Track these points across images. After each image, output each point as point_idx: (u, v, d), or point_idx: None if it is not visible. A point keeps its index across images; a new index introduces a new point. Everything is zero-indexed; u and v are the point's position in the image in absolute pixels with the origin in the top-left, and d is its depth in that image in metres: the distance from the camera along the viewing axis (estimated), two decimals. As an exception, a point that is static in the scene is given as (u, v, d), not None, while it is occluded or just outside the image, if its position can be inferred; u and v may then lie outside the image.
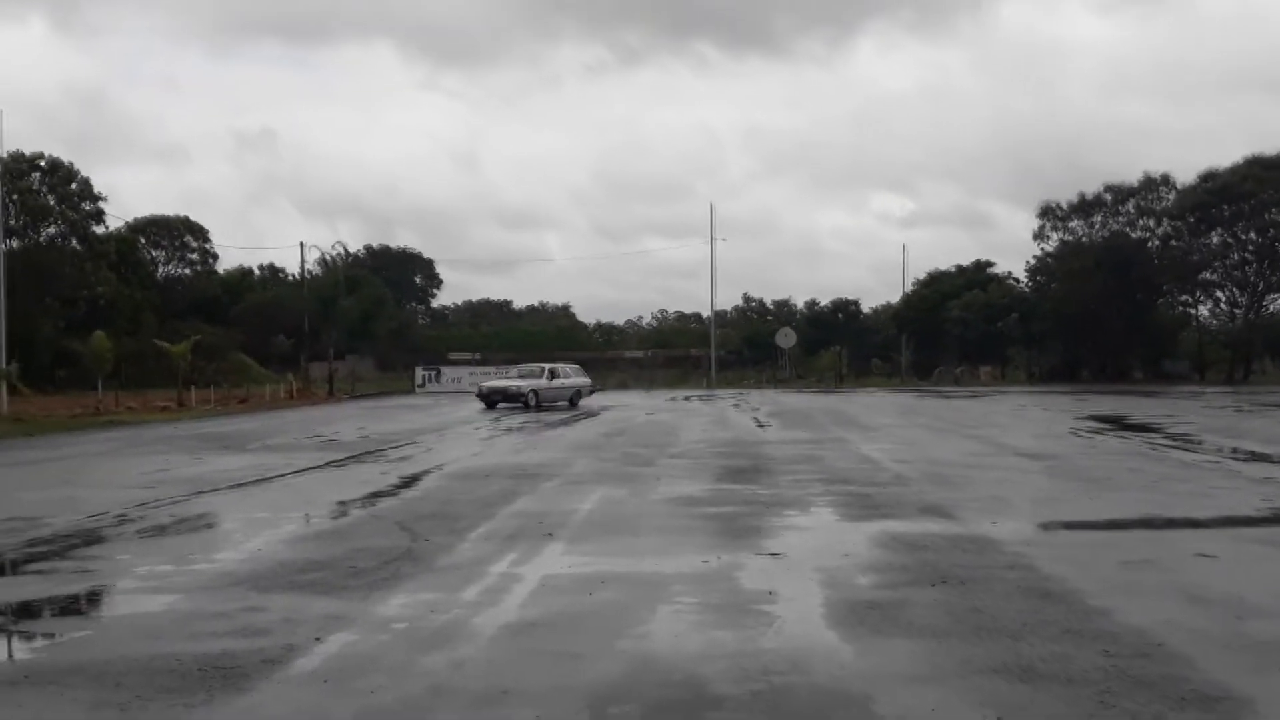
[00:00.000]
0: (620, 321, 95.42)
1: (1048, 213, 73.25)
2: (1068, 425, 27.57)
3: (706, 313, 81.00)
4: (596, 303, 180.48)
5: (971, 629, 7.31)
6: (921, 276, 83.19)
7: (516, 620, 7.69)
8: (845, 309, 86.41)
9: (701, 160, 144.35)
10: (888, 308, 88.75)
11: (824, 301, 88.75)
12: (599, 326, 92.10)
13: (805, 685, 6.18)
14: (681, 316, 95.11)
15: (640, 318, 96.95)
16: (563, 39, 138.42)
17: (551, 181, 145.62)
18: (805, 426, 27.64)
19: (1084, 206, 72.47)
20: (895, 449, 20.87)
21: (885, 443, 22.40)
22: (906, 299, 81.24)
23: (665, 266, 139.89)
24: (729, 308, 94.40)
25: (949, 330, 73.94)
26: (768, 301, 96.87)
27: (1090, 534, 11.49)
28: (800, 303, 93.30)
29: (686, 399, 46.84)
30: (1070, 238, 72.87)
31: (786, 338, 70.49)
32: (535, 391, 40.30)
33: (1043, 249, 74.20)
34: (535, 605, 8.13)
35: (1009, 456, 19.39)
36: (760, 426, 28.03)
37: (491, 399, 40.89)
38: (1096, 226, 72.34)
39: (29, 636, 7.54)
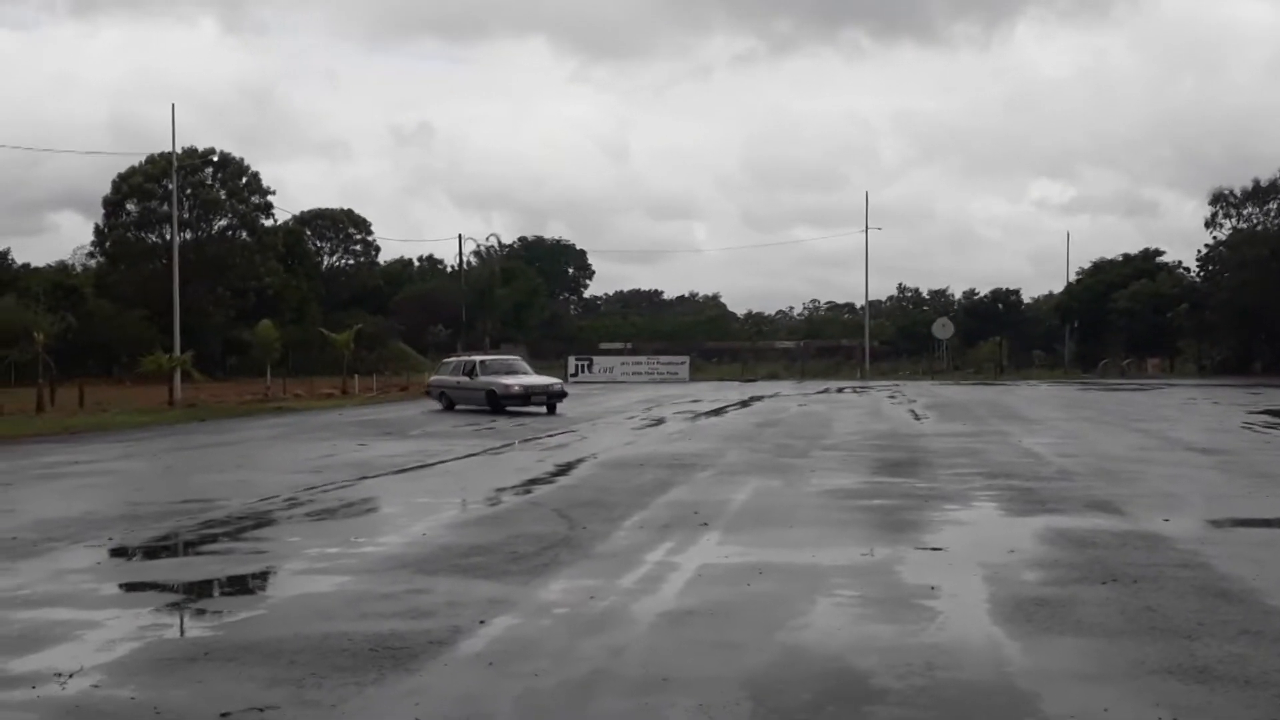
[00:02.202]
0: (770, 311, 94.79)
1: (1220, 200, 70.16)
2: (1240, 420, 26.41)
3: (859, 302, 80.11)
4: (746, 292, 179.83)
5: (1144, 628, 7.05)
6: (1084, 265, 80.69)
7: (675, 608, 7.70)
8: (1005, 299, 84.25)
9: (853, 148, 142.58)
10: (1049, 297, 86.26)
11: (982, 291, 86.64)
12: (749, 316, 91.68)
13: (970, 681, 6.04)
14: (834, 306, 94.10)
15: (791, 308, 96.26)
16: (713, 29, 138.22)
17: (700, 171, 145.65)
18: (964, 419, 27.07)
19: (1259, 193, 69.16)
20: (1059, 443, 20.28)
21: (1048, 436, 21.79)
22: (1070, 289, 78.86)
23: (816, 256, 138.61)
24: (883, 297, 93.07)
25: (1114, 321, 71.52)
26: (924, 291, 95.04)
27: (1267, 532, 11.00)
28: (958, 292, 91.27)
29: (840, 390, 46.35)
30: (1244, 225, 69.68)
31: (944, 328, 69.12)
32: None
33: (1214, 237, 71.15)
34: (693, 594, 8.13)
35: (1179, 451, 18.67)
36: (917, 419, 27.56)
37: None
38: (1272, 214, 69.05)
39: (208, 614, 7.84)
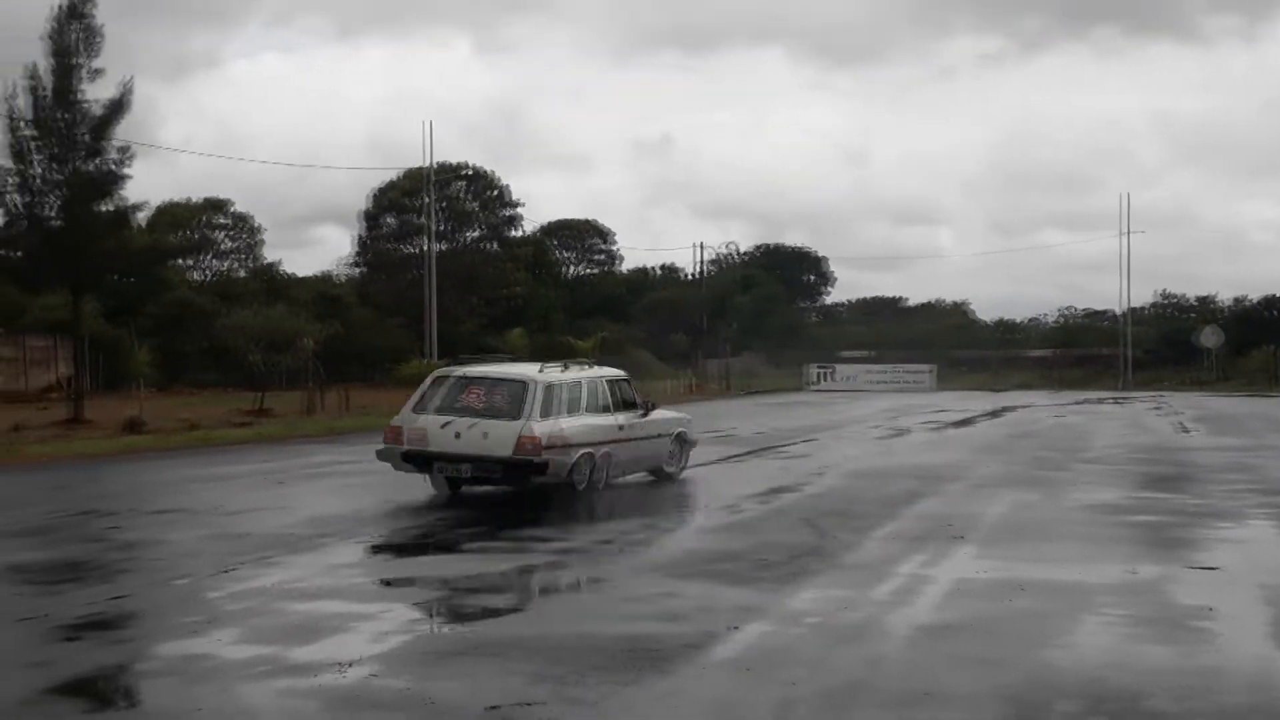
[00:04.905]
0: (1021, 319, 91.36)
1: None
2: None
3: (1117, 309, 76.36)
4: (994, 299, 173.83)
5: None
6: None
7: (931, 622, 7.53)
8: (1279, 306, 78.83)
9: (1106, 150, 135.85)
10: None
11: (1254, 297, 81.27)
12: (998, 324, 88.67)
13: (1257, 707, 5.67)
14: (1090, 313, 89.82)
15: (1044, 315, 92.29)
16: (956, 31, 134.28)
17: (944, 176, 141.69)
18: (1236, 432, 25.48)
19: None
20: (1343, 459, 18.84)
21: (1330, 452, 20.27)
22: (1353, 295, 73.15)
23: (1069, 261, 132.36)
24: (1143, 304, 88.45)
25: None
26: (1190, 297, 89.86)
27: None
28: (1226, 299, 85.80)
29: (1098, 401, 44.38)
30: None
31: (1212, 336, 65.25)
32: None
33: None
34: (950, 608, 7.93)
35: None
36: (1183, 431, 26.12)
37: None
38: None
39: (472, 610, 8.11)
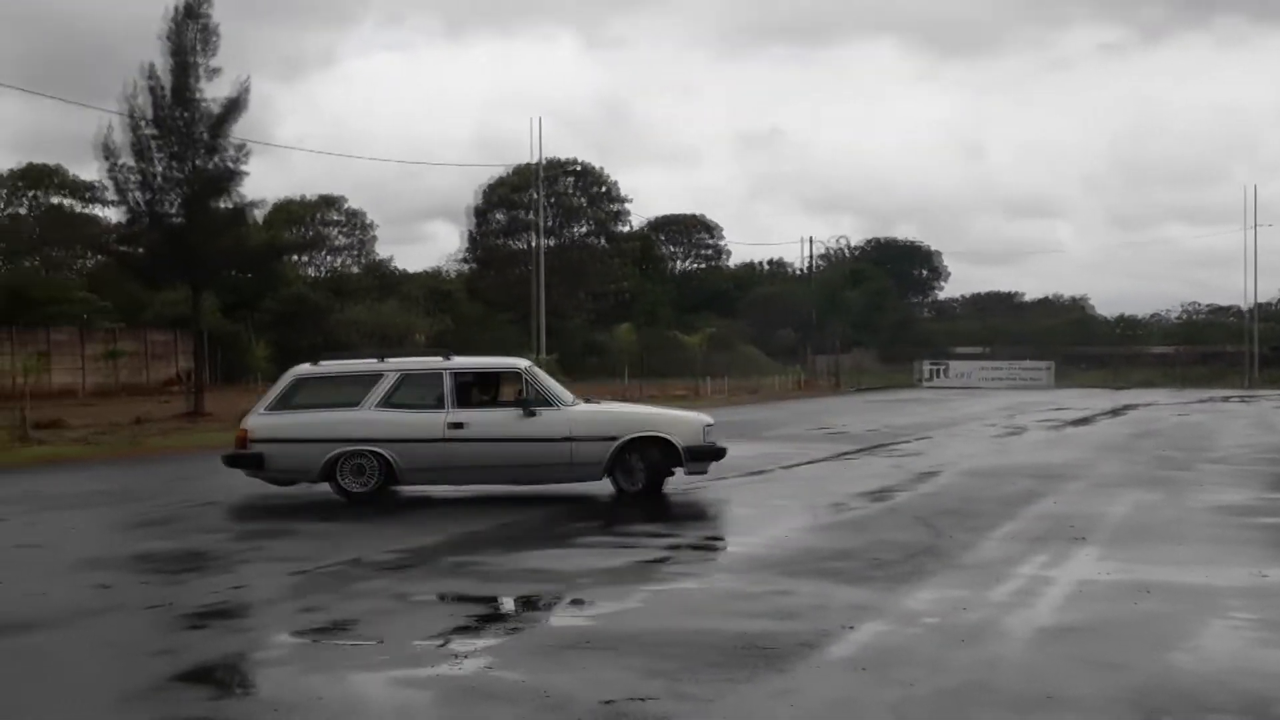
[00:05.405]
0: (1142, 314, 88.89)
1: None
2: None
3: (1243, 305, 73.91)
4: (1114, 294, 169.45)
5: None
6: None
7: (1053, 624, 7.33)
8: None
9: (1230, 140, 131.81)
10: None
11: (1395, 293, 77.98)
12: (1119, 320, 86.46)
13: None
14: (1215, 309, 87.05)
15: (1166, 310, 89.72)
16: (1073, 21, 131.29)
17: (1061, 168, 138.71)
18: (1368, 432, 24.50)
19: None
20: None
21: None
22: None
23: (1192, 255, 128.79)
24: (1270, 300, 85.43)
25: None
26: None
27: None
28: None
29: (1224, 399, 43.06)
30: None
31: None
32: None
33: None
34: (1072, 610, 7.72)
35: None
36: (1312, 431, 25.18)
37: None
38: None
39: (584, 604, 8.12)
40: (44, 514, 12.96)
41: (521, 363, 14.02)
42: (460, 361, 13.83)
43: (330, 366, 14.17)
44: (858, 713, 5.60)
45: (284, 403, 13.65)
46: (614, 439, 13.22)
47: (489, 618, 7.61)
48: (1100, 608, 7.79)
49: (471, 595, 8.35)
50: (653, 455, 13.34)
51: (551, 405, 13.30)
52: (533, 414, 13.13)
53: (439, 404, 13.24)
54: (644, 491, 13.25)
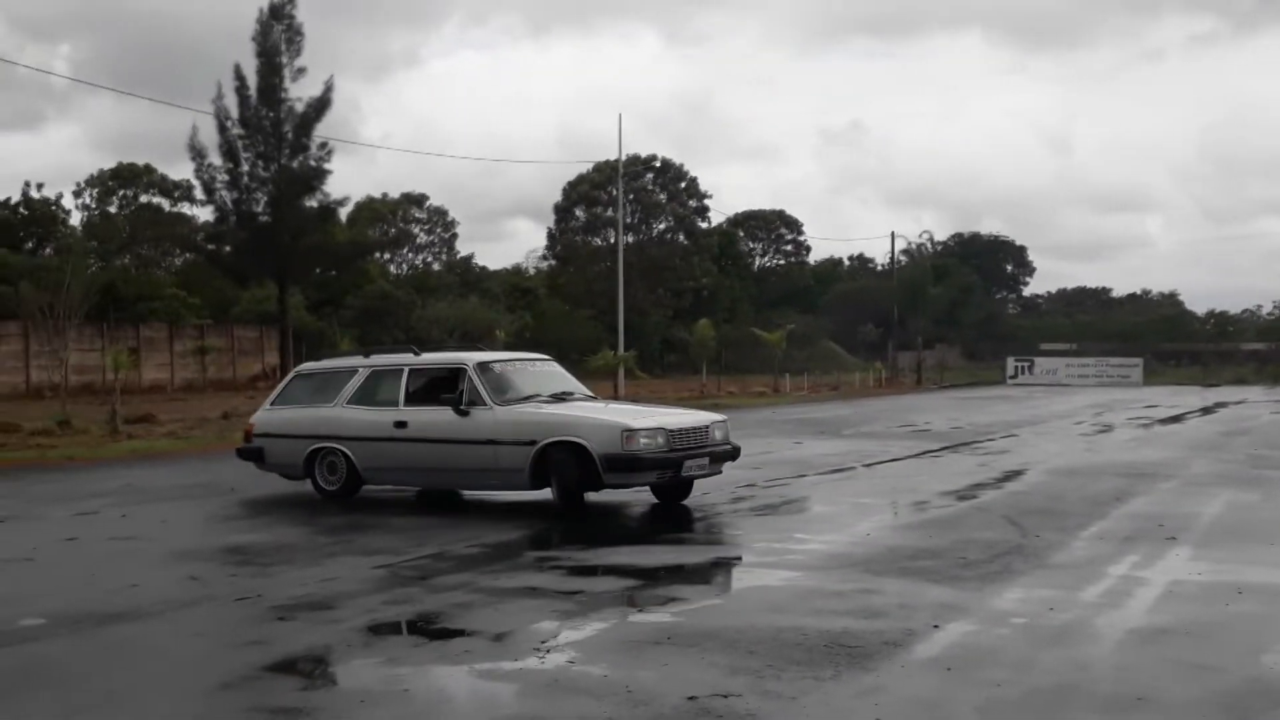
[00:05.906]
0: (1236, 310, 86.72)
1: None
2: None
3: (1341, 300, 71.82)
4: (1206, 290, 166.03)
5: None
6: None
7: (1144, 625, 7.18)
8: None
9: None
10: None
11: None
12: (1211, 316, 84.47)
13: None
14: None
15: (1259, 306, 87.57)
16: (1163, 11, 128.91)
17: (1152, 161, 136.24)
18: None
19: None
20: None
21: None
22: None
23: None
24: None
25: None
26: None
27: None
28: None
29: (1317, 397, 41.89)
30: None
31: None
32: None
33: None
34: (1163, 611, 7.56)
35: None
36: None
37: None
38: None
39: (668, 601, 8.10)
40: (136, 507, 13.25)
41: (471, 358, 12.88)
42: (422, 358, 13.40)
43: (326, 363, 14.58)
44: (944, 713, 5.53)
45: (284, 398, 14.05)
46: (534, 443, 11.80)
47: (571, 613, 7.64)
48: (1193, 609, 7.62)
49: (553, 590, 8.39)
50: (566, 464, 11.70)
51: (485, 405, 12.22)
52: (464, 413, 12.21)
53: (393, 402, 12.91)
54: (561, 507, 11.92)
